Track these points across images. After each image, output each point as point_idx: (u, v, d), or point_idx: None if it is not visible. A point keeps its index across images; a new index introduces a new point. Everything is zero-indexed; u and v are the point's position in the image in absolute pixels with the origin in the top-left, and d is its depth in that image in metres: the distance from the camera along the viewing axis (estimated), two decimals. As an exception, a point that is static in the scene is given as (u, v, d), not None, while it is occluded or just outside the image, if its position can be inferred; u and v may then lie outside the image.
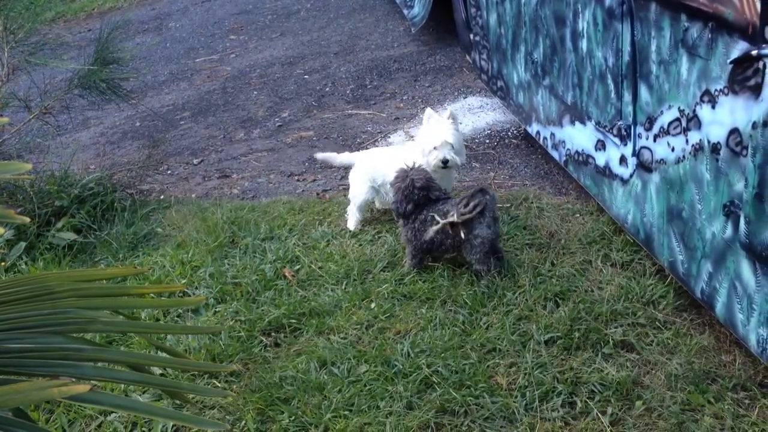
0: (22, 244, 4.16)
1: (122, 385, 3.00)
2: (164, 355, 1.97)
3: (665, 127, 2.92)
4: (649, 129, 3.07)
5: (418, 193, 3.56)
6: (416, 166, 3.70)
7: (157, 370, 3.00)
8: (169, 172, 5.39)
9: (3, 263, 4.08)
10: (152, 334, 2.66)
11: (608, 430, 2.65)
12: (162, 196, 4.95)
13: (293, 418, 2.87)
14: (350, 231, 4.09)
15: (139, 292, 1.58)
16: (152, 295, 3.15)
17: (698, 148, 2.70)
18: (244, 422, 2.89)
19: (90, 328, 1.51)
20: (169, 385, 1.48)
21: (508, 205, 4.11)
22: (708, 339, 3.01)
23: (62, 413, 3.02)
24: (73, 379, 1.21)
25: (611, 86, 3.32)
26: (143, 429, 2.94)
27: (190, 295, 3.65)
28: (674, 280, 3.23)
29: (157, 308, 3.30)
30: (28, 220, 1.32)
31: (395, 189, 3.63)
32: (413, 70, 6.60)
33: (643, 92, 3.05)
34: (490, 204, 3.46)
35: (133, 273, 1.29)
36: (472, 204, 3.44)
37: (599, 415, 2.71)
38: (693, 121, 2.71)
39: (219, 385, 3.12)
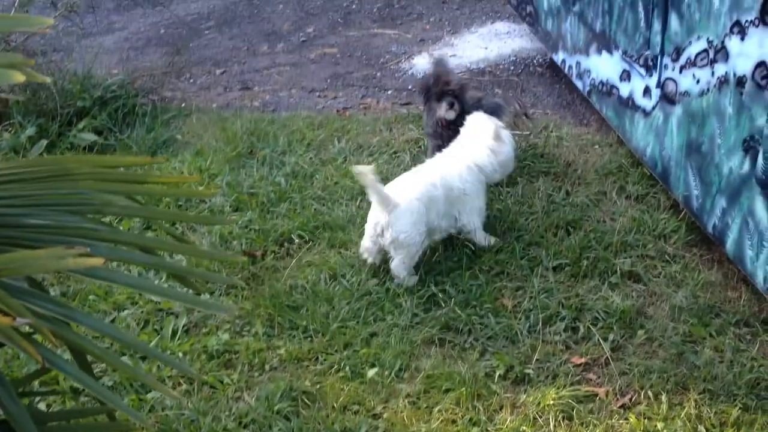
0: (44, 142, 4.20)
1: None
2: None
3: (692, 58, 2.87)
4: (675, 60, 3.02)
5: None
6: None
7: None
8: (191, 80, 5.38)
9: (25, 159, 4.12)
10: (167, 221, 2.72)
11: (608, 355, 2.70)
12: (183, 104, 4.94)
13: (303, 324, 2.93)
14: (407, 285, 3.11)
15: (157, 181, 1.58)
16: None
17: (723, 81, 2.66)
18: (254, 328, 2.95)
19: (106, 210, 1.52)
20: (181, 271, 1.51)
21: (527, 132, 4.08)
22: (716, 275, 3.03)
23: (77, 306, 3.10)
24: (89, 249, 1.22)
25: (641, 14, 3.25)
26: (155, 327, 3.01)
27: (206, 203, 3.69)
28: (687, 215, 3.23)
29: (173, 197, 3.36)
30: (48, 80, 1.33)
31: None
32: (442, -9, 6.47)
33: (674, 21, 2.99)
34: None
35: (150, 162, 1.30)
36: None
37: (601, 340, 2.76)
38: (721, 53, 2.66)
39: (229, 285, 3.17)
